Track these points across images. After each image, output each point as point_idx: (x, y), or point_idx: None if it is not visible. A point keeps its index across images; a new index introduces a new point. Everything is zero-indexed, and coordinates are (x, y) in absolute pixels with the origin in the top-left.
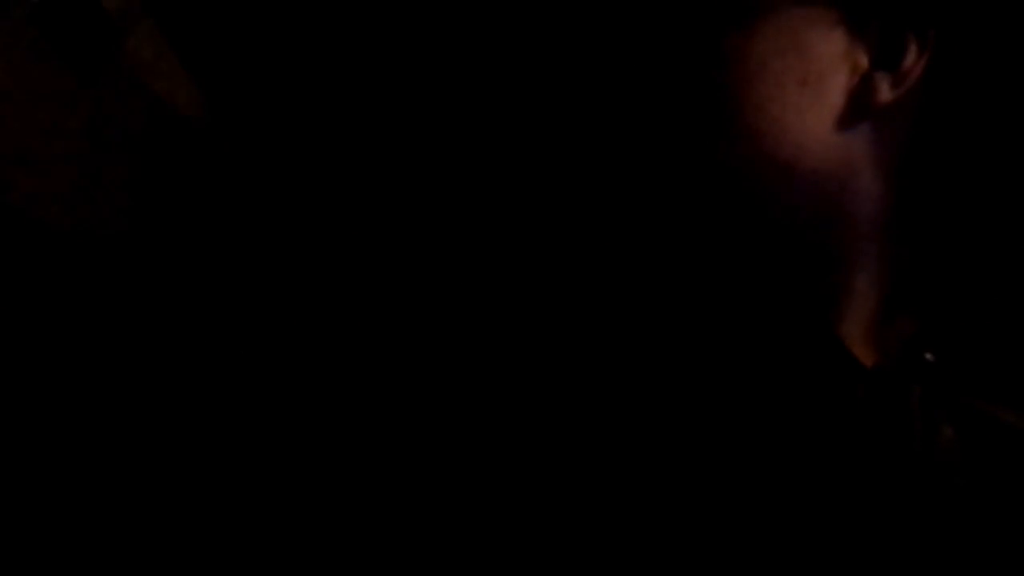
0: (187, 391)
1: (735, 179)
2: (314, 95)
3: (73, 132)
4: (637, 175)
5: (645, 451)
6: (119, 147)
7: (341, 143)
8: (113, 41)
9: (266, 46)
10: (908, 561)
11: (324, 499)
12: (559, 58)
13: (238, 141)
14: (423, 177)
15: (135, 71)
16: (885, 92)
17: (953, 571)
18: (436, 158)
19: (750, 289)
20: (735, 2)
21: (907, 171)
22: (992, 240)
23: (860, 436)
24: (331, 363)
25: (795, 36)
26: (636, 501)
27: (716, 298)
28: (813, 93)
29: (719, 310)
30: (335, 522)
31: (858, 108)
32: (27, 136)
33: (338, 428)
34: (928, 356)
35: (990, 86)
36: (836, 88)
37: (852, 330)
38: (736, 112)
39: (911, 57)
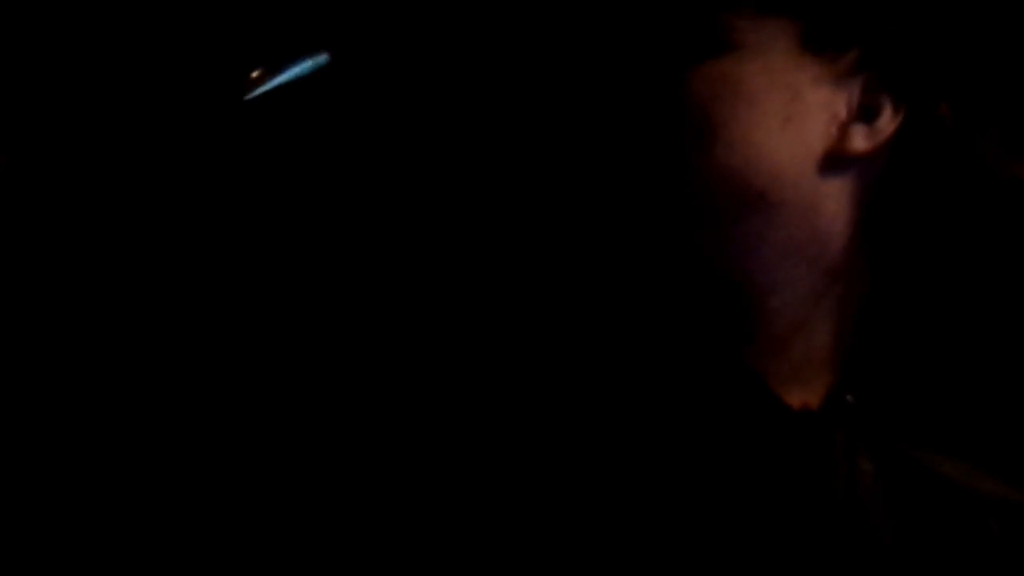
0: (182, 391)
1: (708, 196)
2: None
3: None
4: (614, 181)
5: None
6: None
7: (336, 145)
8: None
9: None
10: None
11: (323, 498)
12: (554, 71)
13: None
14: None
15: None
16: (859, 143)
17: None
18: (422, 170)
19: (689, 317)
20: (737, 35)
21: (872, 222)
22: (938, 295)
23: (782, 476)
24: (328, 365)
25: (786, 77)
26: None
27: (650, 323)
28: (794, 132)
29: (651, 336)
30: (335, 521)
31: (832, 154)
32: None
33: (337, 428)
34: (849, 398)
35: (956, 156)
36: (815, 131)
37: (787, 371)
38: (721, 131)
39: (886, 116)
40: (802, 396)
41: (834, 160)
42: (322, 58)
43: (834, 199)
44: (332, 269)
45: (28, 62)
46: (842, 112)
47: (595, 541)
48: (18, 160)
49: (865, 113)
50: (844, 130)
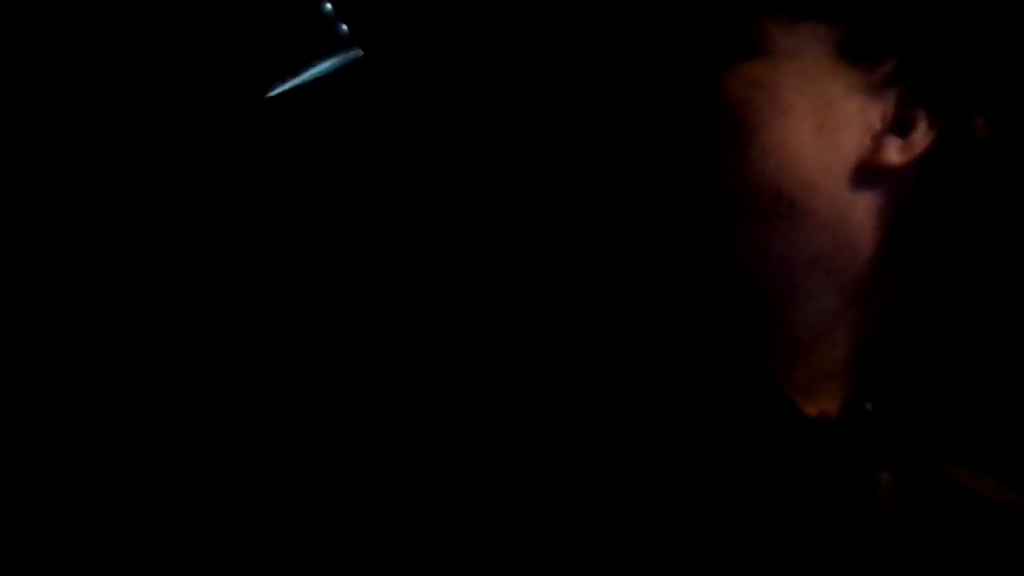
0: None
1: (738, 200)
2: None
3: None
4: (646, 181)
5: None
6: None
7: (337, 145)
8: None
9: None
10: None
11: (323, 499)
12: (589, 69)
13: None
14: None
15: None
16: (893, 156)
17: None
18: (447, 171)
19: (712, 323)
20: (772, 39)
21: (899, 234)
22: (959, 308)
23: (799, 484)
24: (328, 366)
25: (822, 85)
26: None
27: (673, 327)
28: (828, 140)
29: (673, 341)
30: (335, 522)
31: (865, 165)
32: None
33: (337, 429)
34: (868, 407)
35: (988, 172)
36: (849, 141)
37: (806, 379)
38: (754, 136)
39: (921, 130)
40: (822, 405)
41: (866, 172)
42: (353, 53)
43: (863, 211)
44: (351, 265)
45: (47, 61)
46: (876, 123)
47: (611, 546)
48: (38, 160)
49: (899, 126)
50: (878, 142)
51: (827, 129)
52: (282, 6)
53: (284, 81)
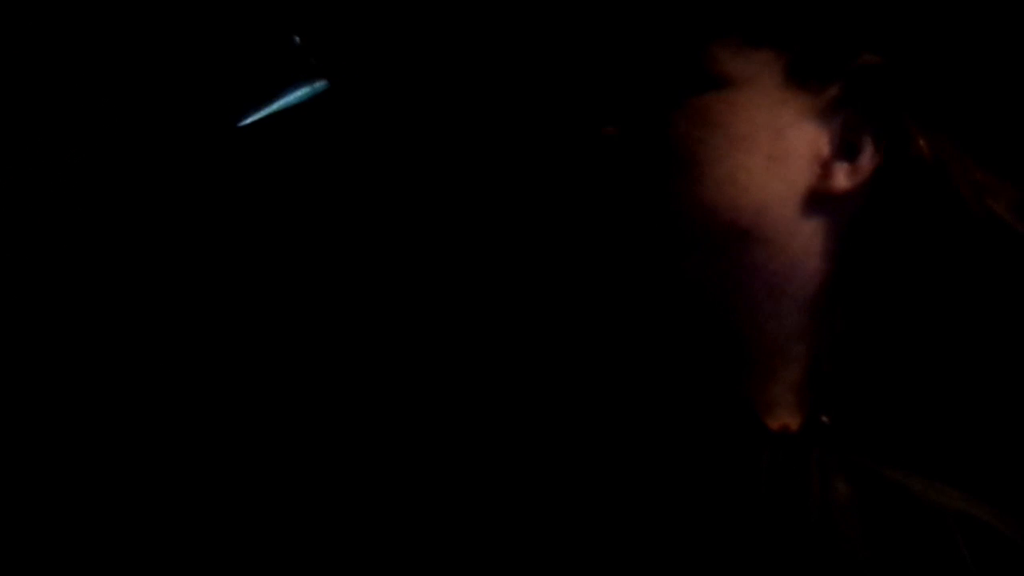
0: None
1: (695, 231)
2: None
3: None
4: (608, 212)
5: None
6: None
7: (307, 174)
8: None
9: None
10: None
11: (324, 499)
12: (546, 107)
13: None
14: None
15: None
16: (841, 181)
17: None
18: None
19: (672, 345)
20: (723, 68)
21: (851, 259)
22: (910, 323)
23: (760, 495)
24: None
25: (772, 115)
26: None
27: (637, 349)
28: (779, 169)
29: (643, 358)
30: (335, 522)
31: (815, 192)
32: None
33: (338, 428)
34: (824, 419)
35: (933, 191)
36: (798, 170)
37: (769, 396)
38: (706, 170)
39: (867, 153)
40: (783, 419)
41: (816, 198)
42: (320, 84)
43: (815, 235)
44: (330, 286)
45: (29, 78)
46: (825, 150)
47: (579, 551)
48: (17, 174)
49: (847, 150)
50: (827, 168)
51: (777, 159)
52: (251, 39)
53: (255, 111)
